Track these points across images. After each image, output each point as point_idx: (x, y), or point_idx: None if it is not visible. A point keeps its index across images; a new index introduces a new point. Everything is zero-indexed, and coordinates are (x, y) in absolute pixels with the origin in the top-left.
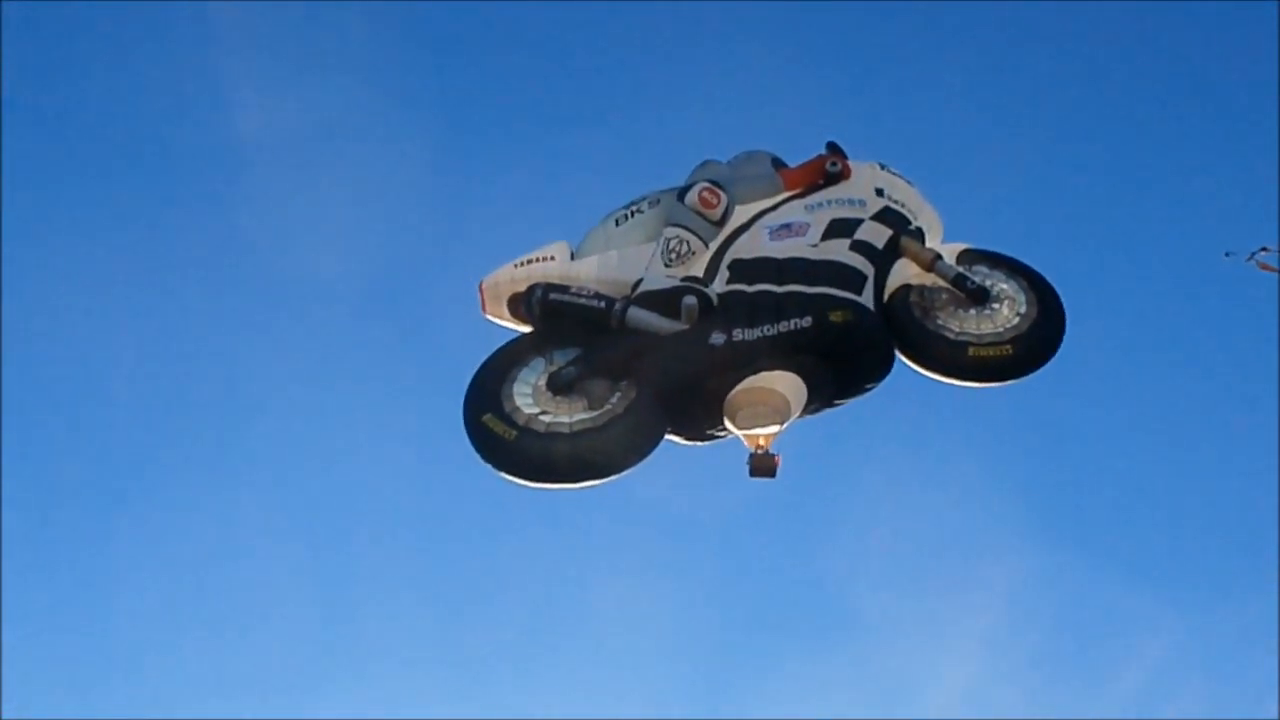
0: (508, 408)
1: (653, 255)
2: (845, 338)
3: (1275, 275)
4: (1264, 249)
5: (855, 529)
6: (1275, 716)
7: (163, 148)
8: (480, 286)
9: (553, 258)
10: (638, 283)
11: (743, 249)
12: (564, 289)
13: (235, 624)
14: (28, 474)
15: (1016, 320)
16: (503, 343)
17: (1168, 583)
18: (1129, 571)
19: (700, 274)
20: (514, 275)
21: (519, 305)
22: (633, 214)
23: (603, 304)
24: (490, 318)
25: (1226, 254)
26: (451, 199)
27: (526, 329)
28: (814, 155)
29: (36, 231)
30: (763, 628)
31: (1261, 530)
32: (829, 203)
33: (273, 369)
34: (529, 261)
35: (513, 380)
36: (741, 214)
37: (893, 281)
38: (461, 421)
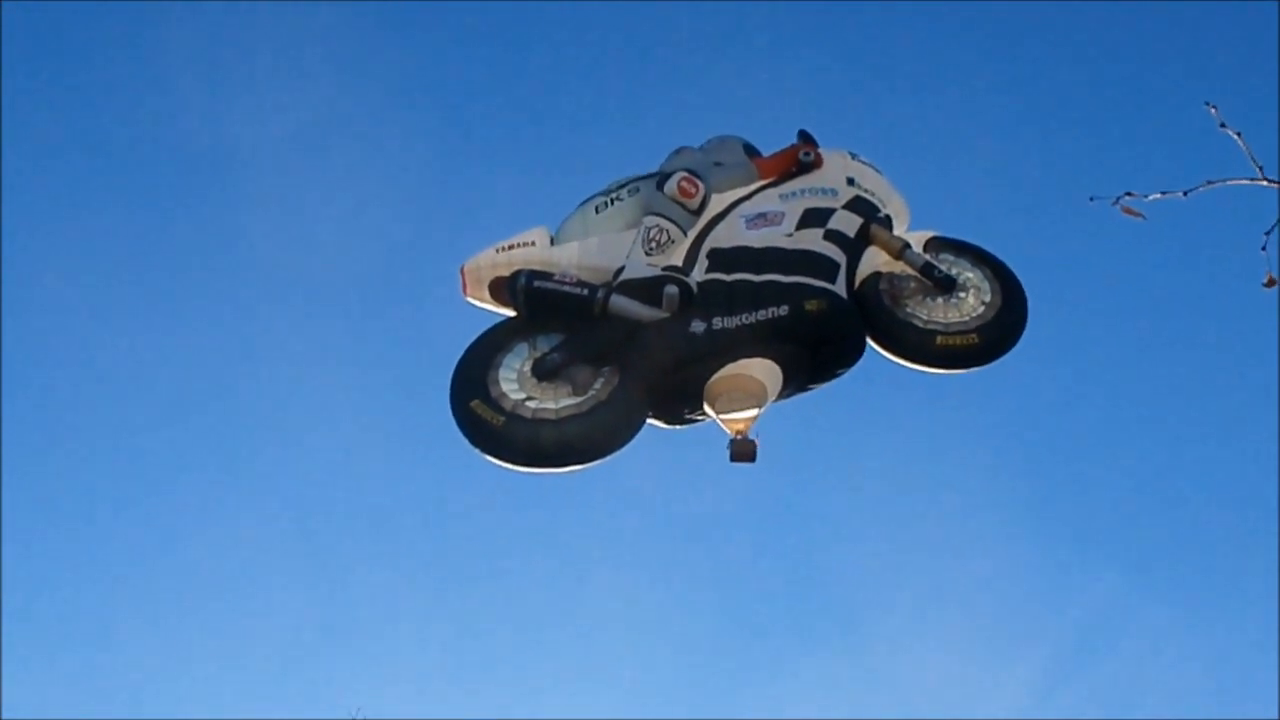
0: (494, 393)
1: (633, 243)
2: (820, 325)
3: (1141, 220)
4: (1129, 194)
5: (856, 526)
6: (1275, 717)
7: (157, 149)
8: (461, 270)
9: (533, 243)
10: (619, 270)
11: (720, 238)
12: (547, 276)
13: (234, 622)
14: (26, 473)
15: (981, 309)
16: (485, 328)
17: (1169, 583)
18: (1130, 572)
19: (680, 263)
20: (495, 260)
21: (501, 290)
22: (612, 201)
23: (586, 291)
24: (471, 300)
25: (1091, 199)
26: (440, 196)
27: (507, 312)
28: (787, 144)
29: (34, 231)
30: (761, 627)
31: (1262, 528)
32: (802, 192)
33: (268, 368)
34: (510, 247)
35: (498, 366)
36: (718, 202)
37: (863, 269)
38: (449, 407)
